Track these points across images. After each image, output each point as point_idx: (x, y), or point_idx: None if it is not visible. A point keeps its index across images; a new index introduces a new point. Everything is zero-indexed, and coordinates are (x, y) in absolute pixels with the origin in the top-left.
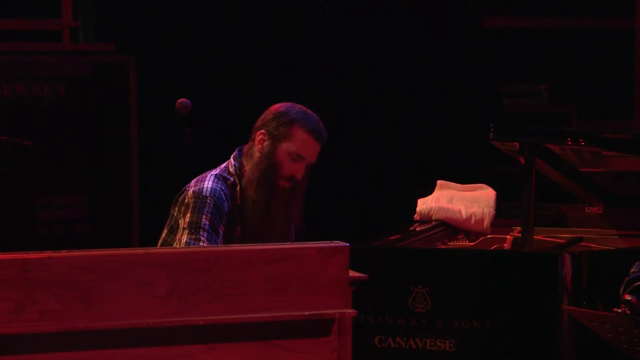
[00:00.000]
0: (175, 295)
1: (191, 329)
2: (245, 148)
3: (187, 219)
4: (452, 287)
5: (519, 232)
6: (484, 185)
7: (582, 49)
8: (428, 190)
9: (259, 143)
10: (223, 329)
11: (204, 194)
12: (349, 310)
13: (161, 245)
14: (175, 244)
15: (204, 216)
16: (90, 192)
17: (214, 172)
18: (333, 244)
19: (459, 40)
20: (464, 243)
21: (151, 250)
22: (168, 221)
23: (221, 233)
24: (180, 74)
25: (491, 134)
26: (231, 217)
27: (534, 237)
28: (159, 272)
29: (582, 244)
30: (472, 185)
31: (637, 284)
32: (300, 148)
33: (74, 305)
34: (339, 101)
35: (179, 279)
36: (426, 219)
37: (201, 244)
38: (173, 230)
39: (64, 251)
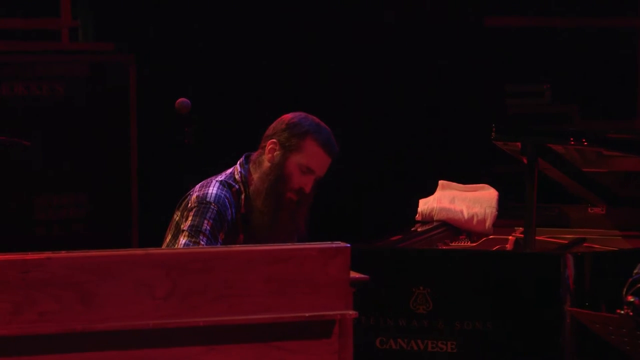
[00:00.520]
0: (175, 296)
1: (191, 330)
2: (254, 155)
3: (189, 222)
4: (454, 288)
5: (521, 233)
6: (486, 186)
7: (585, 48)
8: (430, 191)
9: (269, 152)
10: (223, 330)
11: (207, 199)
12: (350, 312)
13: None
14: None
15: (205, 221)
16: (90, 193)
17: (219, 177)
18: (334, 245)
19: (461, 40)
20: (465, 244)
21: (151, 250)
22: (170, 226)
23: (220, 241)
24: (180, 73)
25: (493, 133)
26: (234, 225)
27: (537, 237)
28: (159, 272)
29: (584, 244)
30: (474, 185)
31: None
32: (311, 161)
33: (73, 306)
34: (340, 101)
35: (178, 280)
36: (428, 219)
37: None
38: (175, 235)
39: (63, 252)
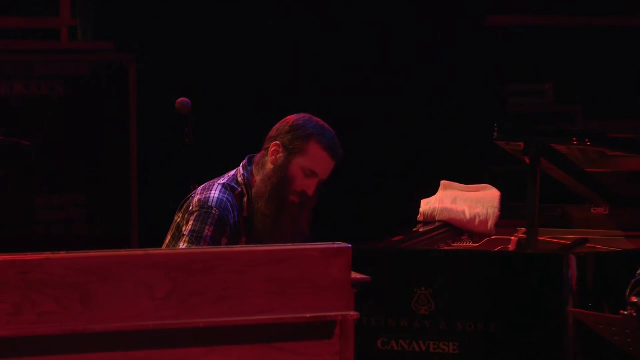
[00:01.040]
0: (175, 297)
1: (191, 332)
2: (257, 157)
3: (190, 227)
4: (456, 288)
5: (523, 233)
6: (488, 186)
7: (587, 47)
8: (431, 191)
9: (272, 154)
10: (223, 331)
11: (209, 204)
12: (352, 313)
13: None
14: None
15: (207, 227)
16: (89, 193)
17: (221, 180)
18: (335, 245)
19: (462, 39)
20: (467, 244)
21: (151, 251)
22: (171, 227)
23: (222, 245)
24: (180, 72)
25: (495, 133)
26: (237, 228)
27: (539, 238)
28: (159, 273)
29: (587, 245)
30: (476, 185)
31: None
32: (315, 164)
33: (73, 307)
34: (341, 101)
35: (178, 281)
36: (430, 219)
37: None
38: (175, 237)
39: (62, 252)
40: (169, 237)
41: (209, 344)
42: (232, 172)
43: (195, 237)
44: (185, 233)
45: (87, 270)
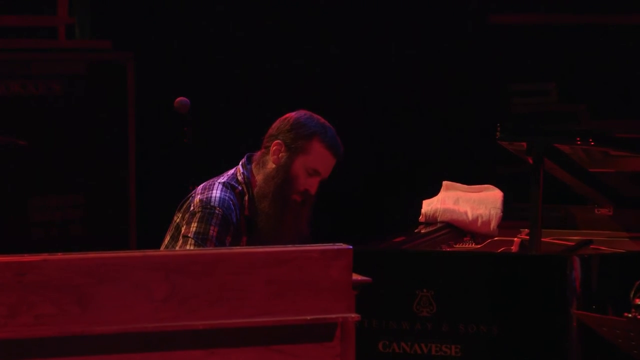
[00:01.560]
0: (174, 299)
1: (190, 334)
2: (256, 155)
3: (193, 229)
4: (458, 290)
5: (526, 235)
6: (491, 186)
7: (592, 46)
8: (433, 192)
9: (274, 154)
10: (223, 333)
11: (212, 204)
12: (352, 315)
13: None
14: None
15: (211, 228)
16: (87, 193)
17: (221, 179)
18: (336, 247)
19: (465, 38)
20: (470, 245)
21: (149, 252)
22: (170, 227)
23: (227, 245)
24: (179, 71)
25: (498, 133)
26: (238, 227)
27: (542, 239)
28: (158, 275)
29: (591, 246)
30: (479, 186)
31: None
32: (318, 163)
33: (70, 309)
34: (342, 101)
35: (177, 283)
36: (431, 220)
37: None
38: (175, 237)
39: (59, 254)
40: (167, 238)
41: (208, 347)
42: (231, 171)
43: (201, 239)
44: (190, 235)
45: (85, 272)
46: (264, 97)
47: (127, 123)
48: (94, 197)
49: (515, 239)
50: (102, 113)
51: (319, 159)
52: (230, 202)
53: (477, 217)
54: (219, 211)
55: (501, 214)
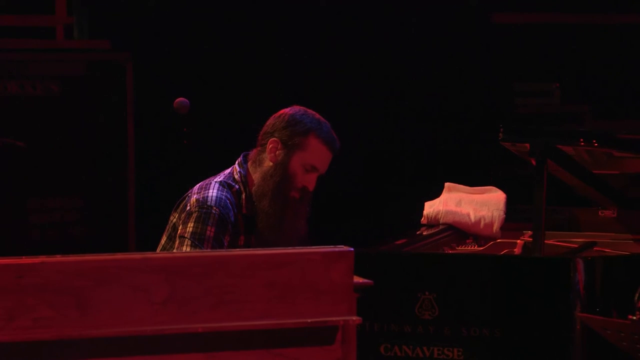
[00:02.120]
0: (173, 302)
1: (190, 337)
2: (252, 154)
3: (190, 229)
4: (461, 293)
5: (529, 237)
6: (494, 188)
7: (595, 46)
8: (436, 193)
9: (270, 152)
10: (223, 336)
11: (209, 203)
12: (354, 318)
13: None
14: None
15: (208, 228)
16: (85, 195)
17: (217, 178)
18: (337, 249)
19: (467, 37)
20: (472, 248)
21: (148, 255)
22: (167, 228)
23: (225, 244)
24: (178, 71)
25: (501, 134)
26: (236, 226)
27: (546, 241)
28: (157, 277)
29: (595, 248)
30: (481, 187)
31: None
32: (315, 159)
33: (69, 312)
34: (343, 101)
35: (177, 285)
36: (433, 222)
37: None
38: (171, 238)
39: (58, 256)
40: (164, 238)
41: (208, 350)
42: (228, 170)
43: (198, 239)
44: (187, 236)
45: (83, 275)
46: (264, 98)
47: (126, 124)
48: (93, 198)
49: (518, 241)
50: (101, 114)
51: (316, 155)
52: (227, 201)
53: (480, 219)
54: (215, 211)
55: (504, 215)
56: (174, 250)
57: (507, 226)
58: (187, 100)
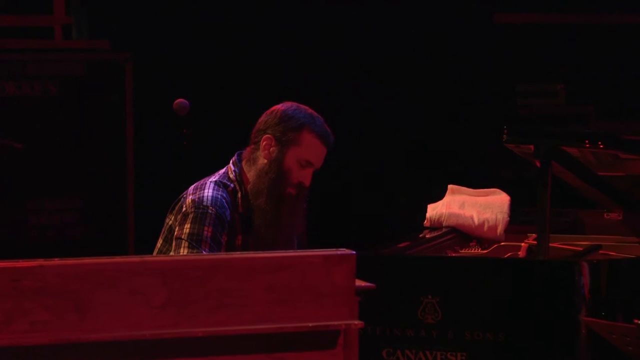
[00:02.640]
0: (172, 305)
1: (189, 341)
2: (246, 152)
3: (187, 230)
4: (464, 297)
5: (534, 240)
6: (497, 190)
7: (600, 46)
8: (439, 195)
9: (264, 149)
10: (223, 340)
11: (205, 203)
12: (356, 322)
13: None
14: (170, 254)
15: (205, 228)
16: (84, 196)
17: (212, 178)
18: (339, 252)
19: (469, 38)
20: (476, 251)
21: (147, 258)
22: (163, 230)
23: (223, 243)
24: (178, 72)
25: (505, 135)
26: (232, 225)
27: (550, 244)
28: (156, 280)
29: (600, 251)
30: (485, 190)
31: None
32: (310, 154)
33: (66, 316)
34: (345, 102)
35: (176, 288)
36: (436, 225)
37: None
38: (168, 240)
39: (56, 259)
40: (160, 241)
41: (207, 354)
42: (222, 170)
43: (195, 241)
44: (184, 237)
45: (82, 278)
46: (264, 99)
47: (126, 125)
48: (92, 200)
49: (523, 244)
50: (100, 115)
51: (310, 150)
52: (224, 200)
53: (484, 222)
54: (212, 210)
55: (508, 218)
56: (171, 253)
57: (511, 229)
58: (187, 102)
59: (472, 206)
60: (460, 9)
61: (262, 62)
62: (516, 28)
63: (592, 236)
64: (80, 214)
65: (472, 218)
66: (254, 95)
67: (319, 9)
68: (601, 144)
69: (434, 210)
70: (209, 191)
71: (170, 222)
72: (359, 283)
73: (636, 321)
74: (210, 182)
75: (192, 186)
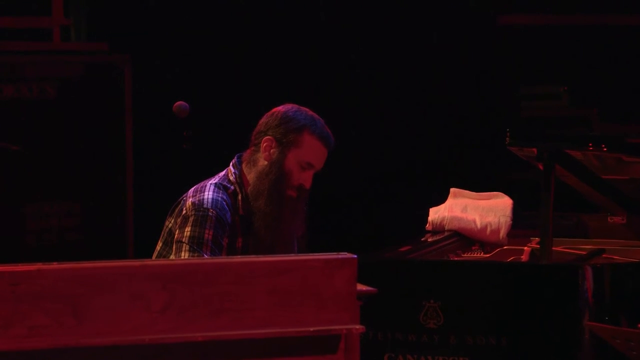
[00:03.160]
0: (172, 310)
1: (189, 346)
2: (246, 154)
3: (187, 233)
4: (466, 301)
5: (537, 243)
6: (500, 194)
7: (604, 48)
8: (441, 199)
9: (265, 150)
10: (223, 345)
11: (205, 205)
12: (357, 326)
13: (156, 259)
14: (171, 257)
15: (206, 231)
16: (83, 200)
17: (213, 180)
18: (340, 256)
19: (472, 40)
20: (478, 255)
21: (147, 262)
22: (162, 233)
23: (224, 246)
24: (178, 74)
25: (508, 138)
26: (233, 227)
27: (553, 248)
28: (155, 285)
29: (604, 255)
30: (488, 193)
31: None
32: (311, 156)
33: (65, 321)
34: (347, 105)
35: (176, 293)
36: (439, 229)
37: None
38: (168, 243)
39: (54, 263)
40: (160, 244)
41: (207, 359)
42: (222, 172)
43: (197, 244)
44: (184, 240)
45: (81, 282)
46: (265, 101)
47: (125, 128)
48: (91, 204)
49: (526, 247)
50: (99, 118)
51: (311, 152)
52: (224, 203)
53: (486, 225)
54: (212, 213)
55: (511, 222)
56: (172, 256)
57: (514, 232)
58: (187, 104)
59: (474, 210)
60: (464, 11)
61: (262, 63)
62: (520, 30)
63: (595, 240)
64: (79, 218)
65: (474, 222)
66: (254, 97)
67: (320, 11)
68: (605, 147)
69: (436, 213)
70: (209, 193)
71: (170, 225)
72: (361, 287)
73: None
74: (211, 184)
75: (192, 189)
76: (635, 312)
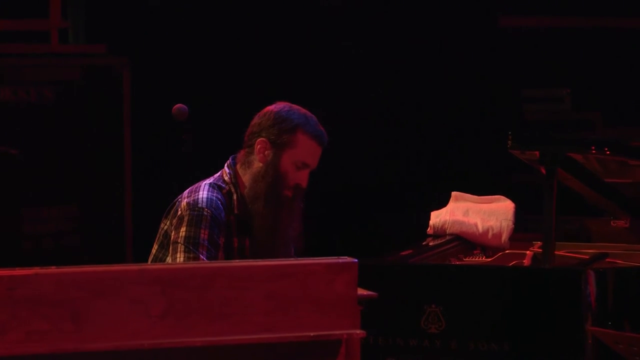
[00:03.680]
0: (171, 315)
1: (188, 351)
2: (240, 156)
3: (183, 234)
4: (468, 306)
5: (539, 247)
6: (502, 197)
7: (607, 51)
8: (442, 202)
9: (259, 152)
10: (222, 350)
11: (200, 205)
12: (358, 331)
13: (152, 262)
14: (167, 259)
15: (202, 230)
16: (81, 204)
17: (207, 181)
18: (340, 260)
19: (474, 42)
20: (480, 259)
21: (146, 266)
22: (158, 236)
23: (221, 245)
24: (177, 77)
25: (510, 142)
26: (228, 227)
27: (556, 252)
28: (154, 289)
29: (607, 260)
30: (490, 197)
31: None
32: (305, 155)
33: (63, 325)
34: (348, 107)
35: (175, 297)
36: (440, 233)
37: None
38: (164, 245)
39: (52, 267)
40: (155, 247)
41: None
42: (217, 173)
43: (192, 244)
44: (180, 241)
45: (79, 287)
46: (264, 104)
47: (123, 131)
48: (89, 208)
49: (528, 252)
50: (97, 121)
51: (305, 151)
52: (219, 202)
53: (488, 229)
54: (207, 212)
55: (513, 225)
56: (168, 258)
57: (516, 236)
58: (186, 107)
59: (476, 213)
60: (465, 12)
61: (262, 66)
62: (522, 32)
63: (598, 244)
64: (77, 222)
65: (476, 225)
66: (253, 100)
67: (319, 13)
68: (608, 151)
69: (437, 217)
70: (203, 193)
71: (166, 227)
72: (361, 292)
73: None
74: (205, 184)
75: (187, 190)
76: (638, 317)
